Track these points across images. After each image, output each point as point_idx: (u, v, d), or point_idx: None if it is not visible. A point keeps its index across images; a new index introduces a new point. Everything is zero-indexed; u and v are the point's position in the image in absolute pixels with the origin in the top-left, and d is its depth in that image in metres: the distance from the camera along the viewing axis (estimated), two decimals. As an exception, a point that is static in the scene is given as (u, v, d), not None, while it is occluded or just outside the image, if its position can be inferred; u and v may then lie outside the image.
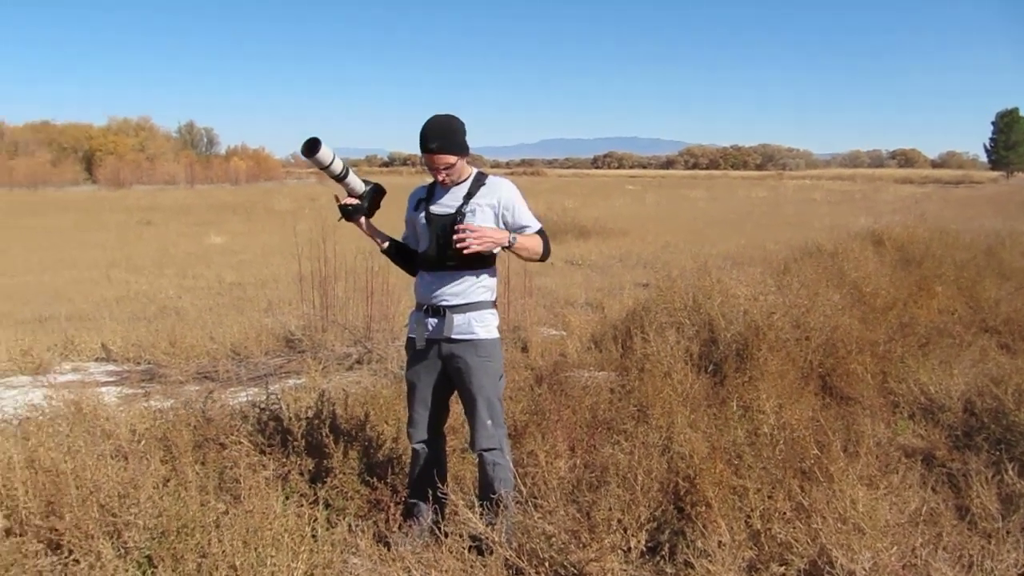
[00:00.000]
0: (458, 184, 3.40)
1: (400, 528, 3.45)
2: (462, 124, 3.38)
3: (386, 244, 3.60)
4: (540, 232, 3.45)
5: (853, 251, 10.20)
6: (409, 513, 3.59)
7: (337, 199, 3.48)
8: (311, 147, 3.21)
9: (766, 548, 3.20)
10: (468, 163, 3.44)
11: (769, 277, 7.86)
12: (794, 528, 3.16)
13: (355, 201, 3.44)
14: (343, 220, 3.51)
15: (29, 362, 6.86)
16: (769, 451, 3.78)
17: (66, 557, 3.02)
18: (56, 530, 3.08)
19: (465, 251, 3.18)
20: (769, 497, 3.39)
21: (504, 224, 3.39)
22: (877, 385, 5.36)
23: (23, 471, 3.28)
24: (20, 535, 3.09)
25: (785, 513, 3.31)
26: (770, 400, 4.38)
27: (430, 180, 3.52)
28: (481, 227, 3.24)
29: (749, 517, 3.32)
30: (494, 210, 3.36)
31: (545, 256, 3.48)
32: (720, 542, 3.07)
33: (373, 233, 3.57)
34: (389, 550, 3.30)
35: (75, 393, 5.05)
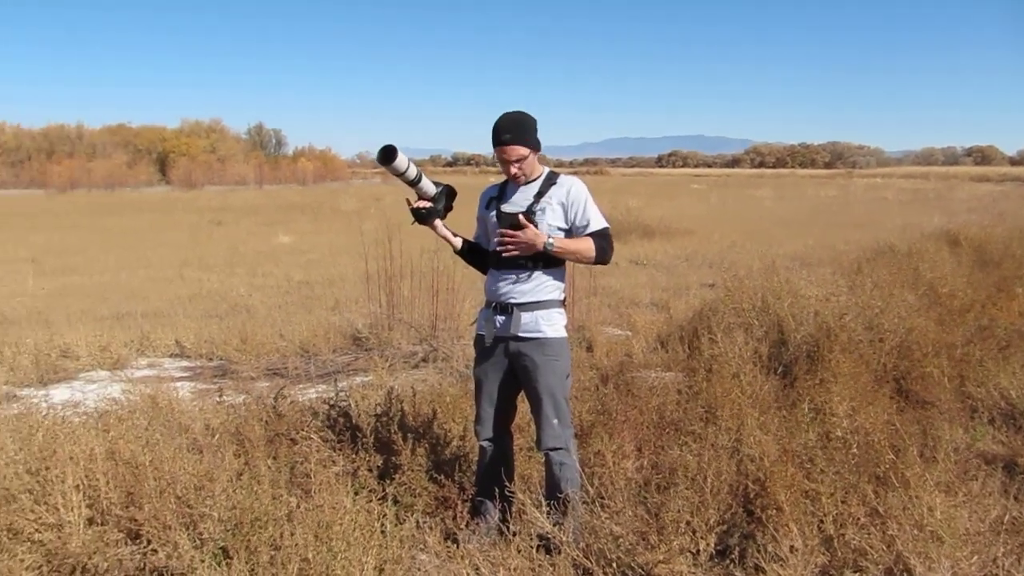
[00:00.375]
0: (530, 182, 3.42)
1: (467, 526, 3.46)
2: (534, 120, 3.40)
3: (459, 243, 3.61)
4: (601, 233, 3.39)
5: (928, 251, 9.93)
6: (476, 511, 3.60)
7: (409, 203, 3.50)
8: (387, 155, 3.24)
9: (839, 554, 3.13)
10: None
11: (840, 278, 7.69)
12: (869, 534, 3.08)
13: (428, 204, 3.46)
14: (416, 224, 3.52)
15: (107, 357, 7.09)
16: (842, 455, 3.69)
17: (145, 547, 3.11)
18: (135, 520, 3.16)
19: (504, 255, 3.31)
20: (842, 502, 3.32)
21: (572, 222, 3.40)
22: (954, 389, 5.20)
23: (104, 462, 3.38)
24: (102, 524, 3.19)
25: (859, 519, 3.23)
26: (843, 403, 4.29)
27: (499, 179, 3.54)
28: (516, 233, 3.28)
29: (822, 522, 3.25)
30: (563, 207, 3.36)
31: (600, 259, 3.41)
32: (792, 547, 3.01)
33: (447, 235, 3.59)
34: (457, 547, 3.32)
35: (151, 388, 5.20)
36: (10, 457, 3.44)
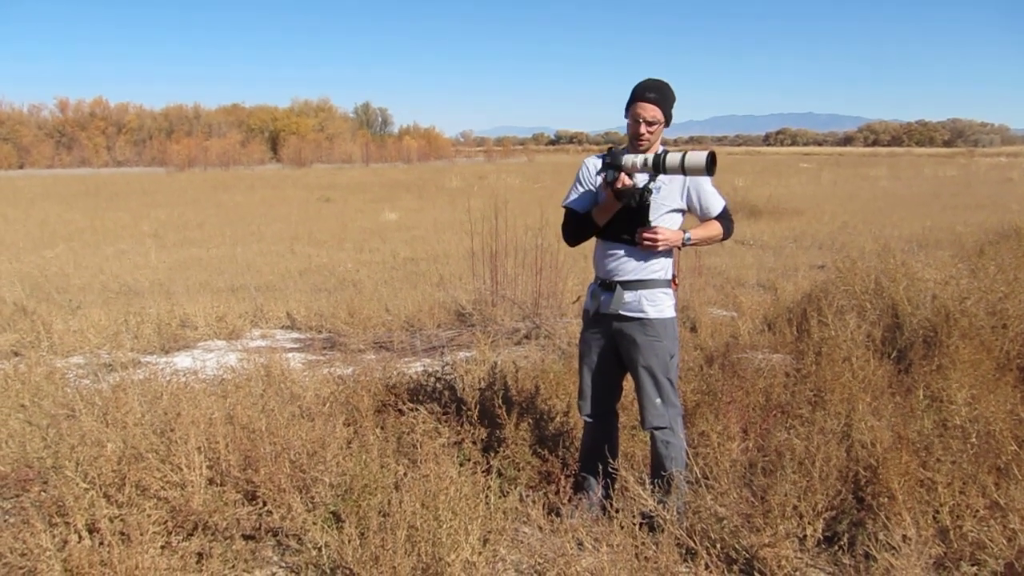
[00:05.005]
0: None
1: (570, 500, 3.49)
2: (675, 96, 3.35)
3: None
4: (724, 214, 3.40)
5: (1058, 234, 9.39)
6: (579, 486, 3.62)
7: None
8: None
9: (955, 546, 3.03)
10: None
11: (960, 261, 7.36)
12: (988, 527, 2.97)
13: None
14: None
15: (224, 328, 7.39)
16: (960, 444, 3.55)
17: (261, 508, 3.25)
18: (252, 482, 3.31)
19: (650, 249, 3.27)
20: (960, 492, 3.20)
21: (689, 203, 3.36)
22: (1085, 379, 4.91)
23: (223, 427, 3.54)
24: (221, 485, 3.34)
25: (978, 511, 3.11)
26: (962, 390, 4.11)
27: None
28: (663, 230, 3.24)
29: (937, 512, 3.15)
30: (682, 187, 3.34)
31: (726, 236, 3.43)
32: (905, 536, 2.92)
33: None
34: (560, 521, 3.34)
35: (265, 358, 5.40)
36: (138, 419, 3.65)
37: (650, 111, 3.26)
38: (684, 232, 3.30)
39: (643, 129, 3.28)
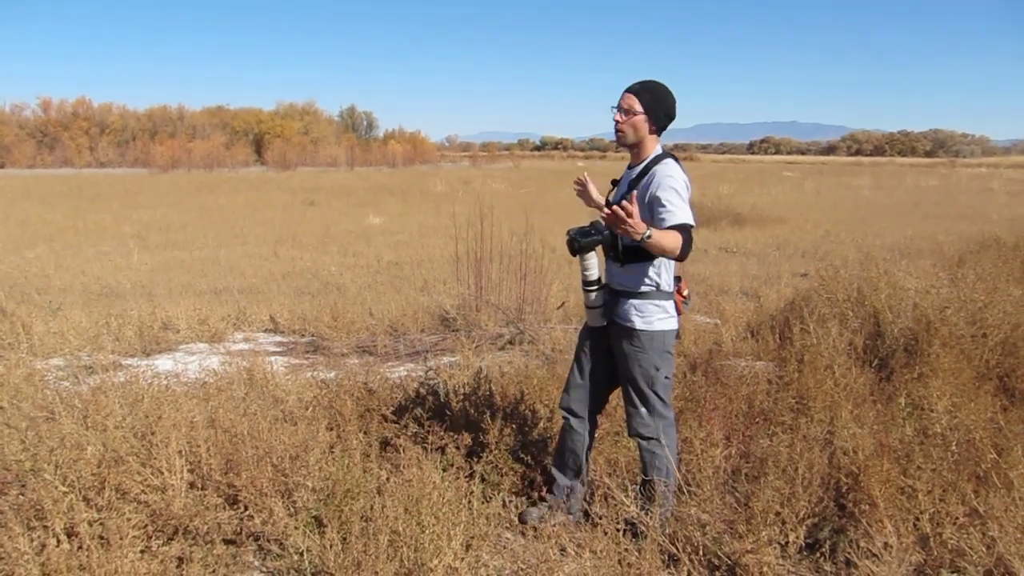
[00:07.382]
0: (635, 166, 3.33)
1: (542, 499, 3.47)
2: (668, 95, 3.29)
3: None
4: (684, 227, 3.04)
5: (1037, 244, 9.48)
6: (551, 483, 3.61)
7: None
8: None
9: (936, 553, 3.05)
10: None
11: (941, 270, 7.42)
12: (968, 534, 2.98)
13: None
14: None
15: (206, 331, 7.34)
16: (941, 452, 3.58)
17: (242, 512, 3.23)
18: (233, 486, 3.29)
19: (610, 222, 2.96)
20: (940, 500, 3.22)
21: (646, 203, 3.17)
22: (1064, 388, 4.96)
23: (205, 430, 3.52)
24: (202, 488, 3.32)
25: (958, 518, 3.13)
26: (942, 399, 4.14)
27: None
28: (633, 211, 2.87)
29: (918, 519, 3.17)
30: (645, 189, 3.20)
31: (681, 257, 3.05)
32: (886, 543, 2.94)
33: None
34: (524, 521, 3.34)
35: (247, 361, 5.37)
36: (118, 422, 3.62)
37: (625, 100, 3.25)
38: (647, 229, 2.93)
39: (616, 116, 3.26)
